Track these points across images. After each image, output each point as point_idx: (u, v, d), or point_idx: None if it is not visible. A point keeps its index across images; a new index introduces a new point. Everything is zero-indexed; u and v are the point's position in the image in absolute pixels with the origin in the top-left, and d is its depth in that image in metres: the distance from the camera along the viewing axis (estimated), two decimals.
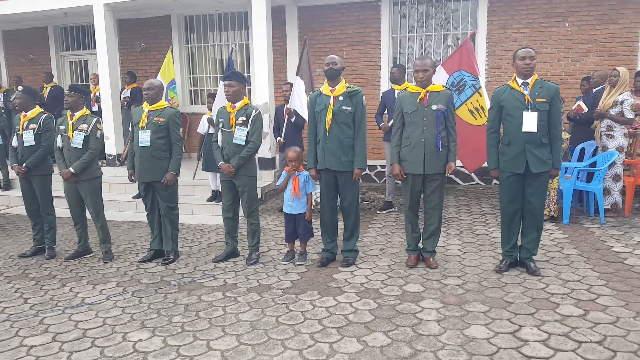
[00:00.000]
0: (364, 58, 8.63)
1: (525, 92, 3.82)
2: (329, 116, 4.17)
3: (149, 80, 4.75)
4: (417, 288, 3.66)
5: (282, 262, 4.38)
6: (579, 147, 6.19)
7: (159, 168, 4.60)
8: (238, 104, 4.51)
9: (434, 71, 4.23)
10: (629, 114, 5.45)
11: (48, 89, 10.15)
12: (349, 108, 4.18)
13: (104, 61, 8.65)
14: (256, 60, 7.75)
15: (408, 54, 8.61)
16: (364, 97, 4.26)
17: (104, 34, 8.54)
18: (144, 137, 4.62)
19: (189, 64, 10.02)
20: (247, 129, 4.43)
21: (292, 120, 6.41)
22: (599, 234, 4.98)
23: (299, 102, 6.34)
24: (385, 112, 6.40)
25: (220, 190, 6.67)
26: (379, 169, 8.68)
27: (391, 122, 6.04)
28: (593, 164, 5.84)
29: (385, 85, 8.49)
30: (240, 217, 4.64)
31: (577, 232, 5.09)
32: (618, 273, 3.83)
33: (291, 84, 6.53)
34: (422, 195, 4.21)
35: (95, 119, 4.90)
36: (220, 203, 4.87)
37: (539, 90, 3.81)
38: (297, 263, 4.33)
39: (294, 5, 8.82)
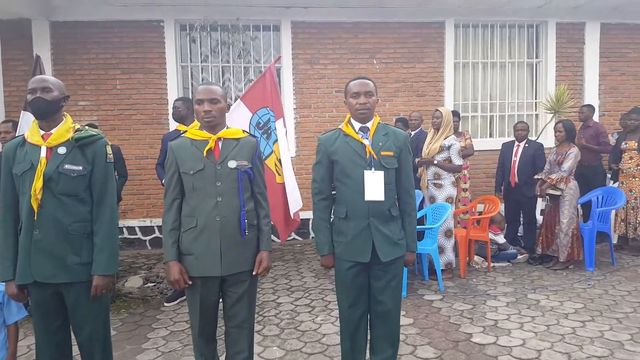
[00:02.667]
0: (146, 90, 6.76)
1: (366, 142, 2.57)
2: (38, 183, 2.28)
3: None
4: None
5: None
6: None
7: None
8: None
9: (228, 107, 2.70)
10: (458, 161, 4.74)
11: None
12: (79, 167, 2.36)
13: None
14: None
15: None
16: (108, 147, 2.49)
17: None
18: None
19: None
20: None
21: None
22: (446, 311, 4.01)
23: None
24: None
25: None
26: None
27: None
28: (421, 218, 5.02)
29: (174, 123, 6.74)
30: None
31: (422, 312, 4.03)
32: None
33: (13, 123, 4.33)
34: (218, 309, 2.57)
35: None
36: None
37: (384, 139, 2.61)
38: None
39: (44, 20, 6.52)
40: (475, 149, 6.34)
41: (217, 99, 2.46)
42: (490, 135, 7.36)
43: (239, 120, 4.27)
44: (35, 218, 2.29)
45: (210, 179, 2.43)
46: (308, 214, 6.32)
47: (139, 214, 6.88)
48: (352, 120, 2.64)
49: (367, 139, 2.57)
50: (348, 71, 6.90)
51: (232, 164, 2.45)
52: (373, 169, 2.51)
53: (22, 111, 4.16)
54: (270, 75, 4.39)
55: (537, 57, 7.32)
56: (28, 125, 4.21)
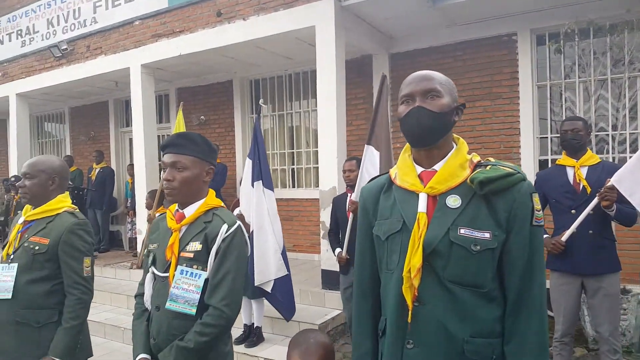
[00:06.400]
0: (492, 119, 5.61)
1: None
2: (416, 259, 1.26)
3: (32, 158, 2.34)
4: None
5: None
6: None
7: (28, 350, 2.10)
8: (190, 209, 1.83)
9: None
10: None
11: (97, 170, 8.53)
12: (485, 235, 1.26)
13: (139, 135, 6.73)
14: (321, 130, 5.18)
15: (565, 109, 5.41)
16: (534, 195, 1.30)
17: (139, 102, 6.67)
18: (5, 280, 2.12)
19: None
20: (204, 273, 1.74)
21: None
22: None
23: None
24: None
25: (258, 325, 4.29)
26: None
27: (567, 234, 2.94)
28: None
29: (529, 159, 5.32)
30: None
31: None
32: None
33: (357, 160, 3.75)
34: None
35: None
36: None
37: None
38: None
39: (385, 53, 6.24)
40: None
41: None
42: None
43: None
44: (409, 319, 1.27)
45: None
46: None
47: None
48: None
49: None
50: None
51: None
52: None
53: (365, 145, 3.53)
54: None
55: None
56: (373, 164, 3.61)
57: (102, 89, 8.70)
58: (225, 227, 1.79)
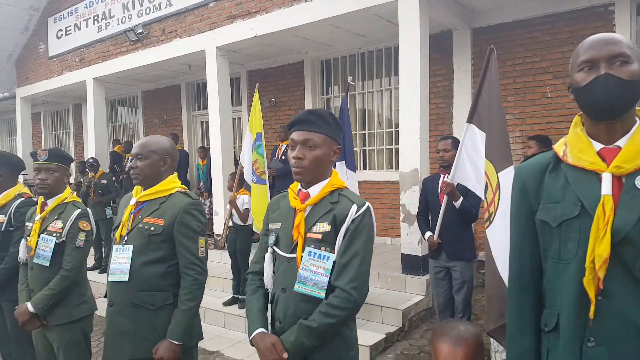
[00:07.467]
0: None
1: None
2: (602, 247, 1.17)
3: (142, 139, 2.32)
4: None
5: None
6: None
7: (145, 332, 2.09)
8: (315, 189, 1.82)
9: None
10: None
11: None
12: None
13: (215, 118, 6.83)
14: (402, 109, 5.02)
15: None
16: None
17: (215, 85, 6.75)
18: (120, 261, 2.14)
19: None
20: (332, 256, 1.71)
21: (457, 204, 3.40)
22: None
23: (473, 173, 3.26)
24: None
25: None
26: None
27: None
28: None
29: None
30: None
31: None
32: None
33: (454, 140, 3.57)
34: None
35: (77, 211, 2.65)
36: None
37: None
38: None
39: (466, 27, 5.95)
40: None
41: None
42: None
43: None
44: (591, 315, 1.16)
45: None
46: None
47: None
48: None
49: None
50: None
51: None
52: None
53: (466, 123, 3.34)
54: None
55: None
56: (474, 145, 3.41)
57: (175, 73, 8.89)
58: (354, 207, 1.74)
